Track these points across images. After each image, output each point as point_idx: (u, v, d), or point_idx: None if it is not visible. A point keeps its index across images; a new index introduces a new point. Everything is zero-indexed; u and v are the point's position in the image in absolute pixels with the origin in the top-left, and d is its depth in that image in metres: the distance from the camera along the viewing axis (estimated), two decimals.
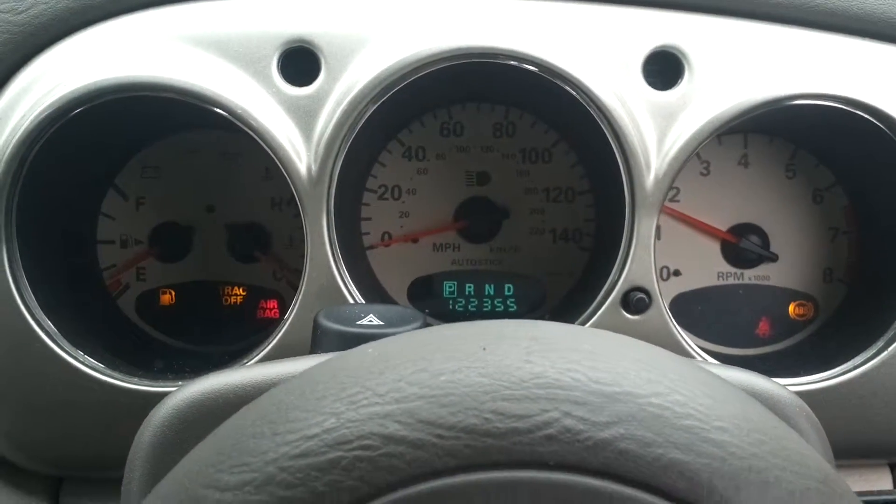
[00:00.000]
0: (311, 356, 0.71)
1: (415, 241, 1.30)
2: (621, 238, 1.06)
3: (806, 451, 0.48)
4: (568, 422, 0.43)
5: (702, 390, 0.47)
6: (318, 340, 0.83)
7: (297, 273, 1.14)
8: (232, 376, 0.71)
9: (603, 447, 0.42)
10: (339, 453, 0.42)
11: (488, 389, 0.44)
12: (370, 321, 0.85)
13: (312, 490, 0.42)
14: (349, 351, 0.52)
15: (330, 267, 1.05)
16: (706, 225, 1.27)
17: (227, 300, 1.31)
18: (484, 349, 0.47)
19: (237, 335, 1.26)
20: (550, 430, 0.42)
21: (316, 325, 0.84)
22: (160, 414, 0.69)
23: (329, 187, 1.03)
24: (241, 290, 1.31)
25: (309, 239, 1.05)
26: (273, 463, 0.43)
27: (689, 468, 0.42)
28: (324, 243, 1.04)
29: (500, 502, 0.42)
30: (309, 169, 1.03)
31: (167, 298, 1.31)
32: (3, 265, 1.02)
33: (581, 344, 0.48)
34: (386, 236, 1.30)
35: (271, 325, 1.14)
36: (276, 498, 0.42)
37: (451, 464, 0.42)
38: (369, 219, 1.29)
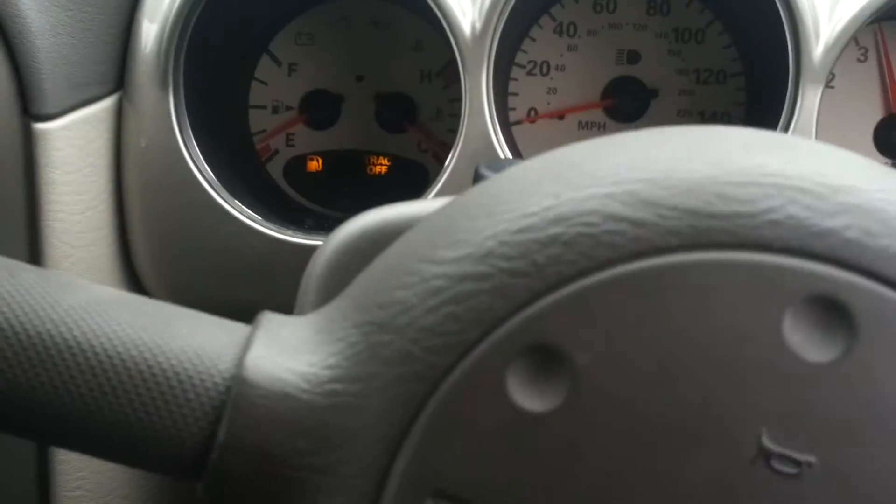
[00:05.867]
0: None
1: (561, 118, 1.30)
2: (778, 119, 1.04)
3: None
4: (793, 209, 0.42)
5: None
6: None
7: (444, 145, 1.15)
8: (414, 206, 0.72)
9: (828, 234, 0.42)
10: (560, 229, 0.43)
11: (709, 175, 0.44)
12: None
13: (533, 262, 0.43)
14: (553, 151, 0.52)
15: (486, 123, 1.05)
16: None
17: (371, 169, 1.33)
18: (697, 141, 0.47)
19: (379, 204, 1.28)
20: (775, 216, 0.42)
21: (477, 175, 0.85)
22: (336, 239, 0.71)
23: (491, 45, 1.04)
24: (385, 160, 1.33)
25: (468, 98, 1.05)
26: (493, 238, 0.44)
27: None
28: (482, 100, 1.04)
29: (719, 282, 0.42)
30: (473, 26, 1.03)
31: (314, 165, 1.34)
32: (168, 111, 1.06)
33: (798, 144, 0.48)
34: (532, 112, 1.30)
35: (413, 197, 1.16)
36: (496, 269, 0.43)
37: (673, 242, 0.42)
38: (516, 94, 1.29)
